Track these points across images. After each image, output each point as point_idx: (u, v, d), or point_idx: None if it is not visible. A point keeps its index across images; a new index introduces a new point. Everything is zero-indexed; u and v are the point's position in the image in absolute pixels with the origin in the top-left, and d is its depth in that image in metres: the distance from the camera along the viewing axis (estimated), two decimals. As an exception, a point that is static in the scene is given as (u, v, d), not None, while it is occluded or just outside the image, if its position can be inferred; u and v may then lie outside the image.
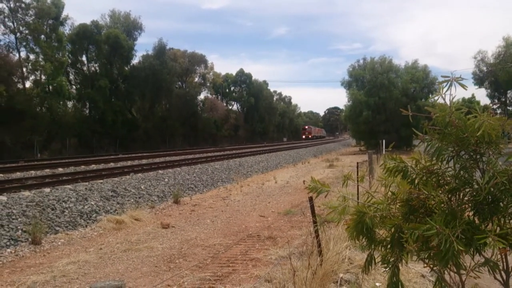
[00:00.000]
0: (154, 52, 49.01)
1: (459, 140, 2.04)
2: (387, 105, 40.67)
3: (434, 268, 2.19)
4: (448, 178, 2.16)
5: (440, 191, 2.13)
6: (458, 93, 2.05)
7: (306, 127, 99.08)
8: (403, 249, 2.22)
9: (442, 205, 2.04)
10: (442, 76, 2.08)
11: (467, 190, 2.09)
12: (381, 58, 44.05)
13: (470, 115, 2.04)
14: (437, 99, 2.12)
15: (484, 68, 48.67)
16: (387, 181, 2.35)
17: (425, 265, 2.24)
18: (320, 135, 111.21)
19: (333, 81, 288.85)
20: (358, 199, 5.83)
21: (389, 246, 2.31)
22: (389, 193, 2.35)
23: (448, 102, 2.08)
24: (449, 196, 2.11)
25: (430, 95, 42.55)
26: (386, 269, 2.37)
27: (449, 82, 2.05)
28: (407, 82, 40.70)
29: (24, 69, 35.07)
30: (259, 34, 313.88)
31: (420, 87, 41.69)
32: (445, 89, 2.05)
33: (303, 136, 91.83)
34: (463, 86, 2.05)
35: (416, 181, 2.23)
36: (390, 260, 2.33)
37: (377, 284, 5.07)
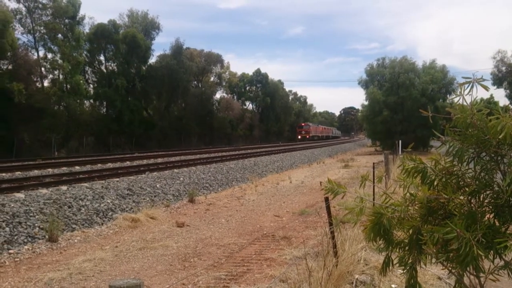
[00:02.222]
0: (171, 51, 49.34)
1: (480, 142, 2.00)
2: (405, 105, 40.27)
3: (453, 270, 2.16)
4: (468, 180, 2.13)
5: (460, 193, 2.10)
6: (477, 94, 2.00)
7: (303, 124, 78.80)
8: (421, 251, 2.19)
9: (463, 207, 2.00)
10: (463, 77, 2.04)
11: (487, 192, 2.05)
12: (403, 58, 43.70)
13: (491, 116, 2.00)
14: (458, 100, 2.08)
15: (503, 69, 47.77)
16: (406, 182, 2.32)
17: (443, 267, 2.20)
18: (326, 135, 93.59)
19: (350, 80, 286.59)
20: (374, 200, 5.78)
21: (407, 248, 2.29)
22: (408, 194, 2.32)
23: (469, 104, 2.04)
24: (469, 198, 2.08)
25: (448, 96, 42.02)
26: (404, 271, 2.35)
27: (471, 84, 2.01)
28: (426, 83, 40.22)
29: (43, 68, 35.63)
30: (275, 34, 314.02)
31: (438, 88, 41.17)
32: (467, 90, 2.02)
33: (299, 137, 74.25)
34: (485, 87, 2.01)
35: (435, 183, 2.19)
36: (408, 262, 2.30)
37: (393, 286, 5.02)
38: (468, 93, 2.02)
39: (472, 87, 2.01)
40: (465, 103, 2.07)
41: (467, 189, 2.11)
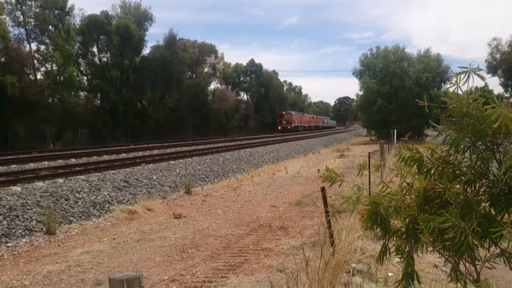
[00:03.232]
0: (165, 42, 49.03)
1: (476, 131, 2.02)
2: (399, 94, 40.31)
3: (449, 259, 2.19)
4: (464, 169, 2.15)
5: (456, 182, 2.12)
6: (471, 82, 2.01)
7: (284, 112, 69.26)
8: (418, 239, 2.22)
9: (458, 196, 2.03)
10: (459, 67, 2.06)
11: (483, 181, 2.08)
12: (394, 47, 43.52)
13: (487, 105, 2.02)
14: (454, 89, 2.10)
15: (498, 56, 47.83)
16: (403, 171, 2.35)
17: (440, 256, 2.23)
18: (315, 125, 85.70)
19: (344, 70, 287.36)
20: (370, 189, 5.82)
21: (403, 236, 2.32)
22: (404, 183, 2.35)
23: (464, 93, 2.06)
24: (465, 187, 2.10)
25: (443, 84, 42.06)
26: (401, 259, 2.38)
27: (467, 73, 2.03)
28: (420, 72, 40.22)
29: (35, 61, 35.34)
30: (270, 24, 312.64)
31: (432, 77, 41.16)
32: (463, 80, 2.03)
33: (279, 127, 65.71)
34: (481, 77, 2.03)
35: (431, 171, 2.22)
36: (405, 251, 2.33)
37: (390, 274, 5.08)
38: (464, 83, 2.04)
39: (468, 77, 2.03)
40: (460, 93, 2.09)
41: (463, 178, 2.13)
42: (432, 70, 40.82)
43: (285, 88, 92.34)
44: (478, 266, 2.21)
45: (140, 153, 22.91)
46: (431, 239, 2.01)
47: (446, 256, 2.17)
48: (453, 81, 2.08)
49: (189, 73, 57.00)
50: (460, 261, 2.18)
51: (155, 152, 23.78)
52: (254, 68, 75.09)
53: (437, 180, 2.13)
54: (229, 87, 70.90)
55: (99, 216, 10.20)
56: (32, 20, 34.64)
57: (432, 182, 2.11)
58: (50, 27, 34.99)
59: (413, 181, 2.31)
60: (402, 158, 2.31)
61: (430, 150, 2.26)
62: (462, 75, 2.03)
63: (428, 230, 1.94)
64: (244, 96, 76.81)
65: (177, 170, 16.10)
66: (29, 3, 34.43)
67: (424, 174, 2.21)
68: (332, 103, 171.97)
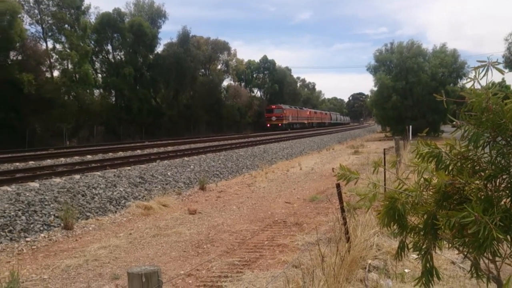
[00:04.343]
0: (178, 40, 49.17)
1: (496, 126, 2.00)
2: (415, 90, 39.88)
3: (468, 255, 2.17)
4: (484, 165, 2.13)
5: (476, 178, 2.10)
6: (492, 77, 1.97)
7: (274, 106, 59.44)
8: (436, 236, 2.21)
9: (479, 192, 2.01)
10: (478, 61, 2.04)
11: (504, 177, 2.06)
12: (409, 42, 43.04)
13: (507, 100, 2.00)
14: (472, 84, 2.08)
15: (516, 51, 46.90)
16: (420, 167, 2.33)
17: (459, 252, 2.22)
18: (317, 121, 76.83)
19: (358, 66, 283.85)
20: (385, 185, 5.79)
21: (421, 233, 2.30)
22: (422, 179, 2.33)
23: (483, 88, 2.04)
24: (485, 183, 2.08)
25: (459, 80, 41.51)
26: (419, 256, 2.37)
27: (485, 67, 2.01)
28: (436, 67, 39.72)
29: (52, 59, 35.78)
30: (282, 20, 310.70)
31: (448, 72, 40.64)
32: (481, 74, 2.01)
33: (268, 125, 57.35)
34: (500, 71, 2.01)
35: (450, 167, 2.20)
36: (423, 247, 2.32)
37: (406, 270, 5.05)
38: (482, 77, 2.02)
39: (487, 71, 2.00)
40: (479, 87, 2.07)
41: (483, 173, 2.11)
42: (448, 65, 40.30)
43: (298, 85, 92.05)
44: (497, 263, 2.19)
45: (155, 150, 23.08)
46: (451, 235, 2.00)
47: (466, 253, 2.16)
48: (471, 76, 2.06)
49: (203, 70, 57.11)
50: (480, 258, 2.17)
51: (170, 148, 23.94)
52: (267, 65, 74.99)
53: (456, 176, 2.11)
54: (242, 83, 70.93)
55: (116, 212, 10.33)
56: (49, 18, 35.05)
57: (451, 178, 2.10)
58: (67, 25, 35.36)
59: (431, 177, 2.30)
60: (419, 154, 2.30)
61: (449, 146, 2.24)
62: (480, 69, 2.01)
63: (448, 226, 1.93)
64: (257, 93, 76.82)
65: (192, 167, 16.18)
66: (47, 2, 34.84)
67: (442, 170, 2.19)
68: (346, 100, 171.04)
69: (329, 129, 64.39)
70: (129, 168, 14.32)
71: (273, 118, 57.41)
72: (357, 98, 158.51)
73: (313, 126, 71.58)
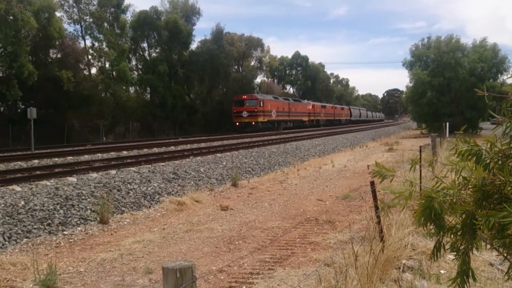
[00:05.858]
0: (212, 36, 49.51)
1: (540, 123, 1.90)
2: (452, 86, 38.72)
3: (508, 256, 2.09)
4: (527, 163, 2.03)
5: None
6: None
7: (245, 97, 43.20)
8: (475, 236, 2.13)
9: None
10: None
11: (548, 175, 1.96)
12: (448, 37, 41.82)
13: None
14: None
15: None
16: (458, 165, 2.25)
17: (498, 254, 2.13)
18: (326, 118, 62.96)
19: (394, 61, 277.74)
20: (420, 183, 5.64)
21: (459, 233, 2.23)
22: (460, 178, 2.25)
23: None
24: (528, 181, 1.99)
25: (499, 75, 40.04)
26: (456, 257, 2.29)
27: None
28: (475, 62, 38.41)
29: (90, 56, 36.77)
30: (317, 15, 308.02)
31: (488, 67, 39.24)
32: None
33: (237, 123, 42.43)
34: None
35: (490, 166, 2.11)
36: (460, 248, 2.24)
37: (442, 271, 4.91)
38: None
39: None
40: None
41: (525, 172, 2.01)
42: (488, 60, 38.89)
43: (331, 81, 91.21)
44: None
45: (188, 146, 23.37)
46: (490, 236, 1.92)
47: (505, 254, 2.07)
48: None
49: (236, 66, 57.34)
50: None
51: (203, 145, 24.18)
52: (300, 61, 74.65)
53: (497, 174, 2.02)
54: (275, 80, 70.85)
55: (150, 207, 10.51)
56: (87, 17, 36.04)
57: (491, 176, 2.01)
58: (105, 24, 36.23)
59: (470, 176, 2.21)
60: (458, 152, 2.22)
61: (489, 143, 2.15)
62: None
63: (488, 226, 1.86)
64: (290, 89, 76.58)
65: (224, 163, 16.29)
66: (86, 1, 35.81)
67: (481, 167, 2.11)
68: (380, 96, 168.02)
69: (362, 126, 63.45)
70: (163, 164, 14.56)
71: (244, 114, 41.74)
72: (392, 94, 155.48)
73: (318, 125, 57.73)
